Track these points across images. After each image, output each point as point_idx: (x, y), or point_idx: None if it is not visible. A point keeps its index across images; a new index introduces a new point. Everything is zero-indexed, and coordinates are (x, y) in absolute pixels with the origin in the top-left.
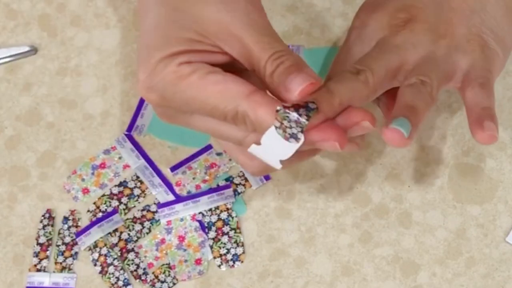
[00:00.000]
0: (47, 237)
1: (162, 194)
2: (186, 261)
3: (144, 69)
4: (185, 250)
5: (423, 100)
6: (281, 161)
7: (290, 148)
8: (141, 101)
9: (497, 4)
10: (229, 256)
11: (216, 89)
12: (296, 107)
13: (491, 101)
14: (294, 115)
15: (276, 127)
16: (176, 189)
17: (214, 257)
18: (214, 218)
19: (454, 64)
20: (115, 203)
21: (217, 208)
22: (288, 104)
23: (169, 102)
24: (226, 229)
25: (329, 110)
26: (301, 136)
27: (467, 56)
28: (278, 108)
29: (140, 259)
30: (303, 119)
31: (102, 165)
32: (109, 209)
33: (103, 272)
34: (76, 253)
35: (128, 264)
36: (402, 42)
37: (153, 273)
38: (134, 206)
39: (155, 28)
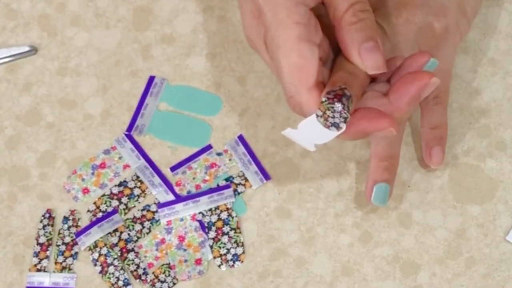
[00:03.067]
0: (47, 237)
1: (162, 194)
2: (186, 261)
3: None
4: (185, 250)
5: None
6: (317, 145)
7: (329, 135)
8: (141, 101)
9: None
10: (229, 256)
11: (295, 62)
12: (338, 97)
13: (445, 116)
14: (338, 106)
15: (317, 116)
16: (176, 189)
17: (214, 257)
18: (214, 218)
19: (417, 48)
20: (115, 203)
21: (217, 208)
22: (331, 95)
23: (266, 28)
24: (226, 229)
25: (358, 92)
26: (343, 126)
27: (428, 42)
28: (323, 99)
29: (140, 259)
30: (345, 110)
31: (102, 165)
32: (109, 209)
33: (103, 272)
34: (76, 253)
35: (128, 264)
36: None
37: (153, 273)
38: (134, 206)
39: None
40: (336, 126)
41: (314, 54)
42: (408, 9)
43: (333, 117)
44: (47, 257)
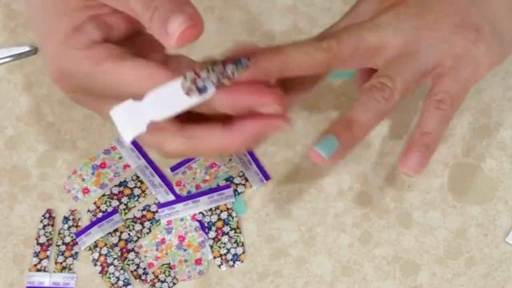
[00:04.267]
0: (47, 237)
1: (162, 194)
2: (186, 261)
3: (51, 56)
4: (185, 250)
5: (373, 109)
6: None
7: (185, 103)
8: None
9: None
10: (229, 256)
11: (133, 74)
12: (227, 62)
13: (442, 125)
14: (230, 67)
15: (185, 78)
16: (176, 189)
17: (214, 257)
18: (214, 218)
19: (436, 57)
20: (115, 203)
21: (217, 208)
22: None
23: (83, 89)
24: (226, 229)
25: (267, 68)
26: (212, 89)
27: (452, 50)
28: (212, 62)
29: (140, 259)
30: (230, 72)
31: (102, 165)
32: (109, 209)
33: (103, 272)
34: (76, 253)
35: (128, 264)
36: (383, 24)
37: (153, 273)
38: (134, 206)
39: (44, 9)
40: (204, 89)
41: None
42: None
43: (207, 78)
44: (47, 257)
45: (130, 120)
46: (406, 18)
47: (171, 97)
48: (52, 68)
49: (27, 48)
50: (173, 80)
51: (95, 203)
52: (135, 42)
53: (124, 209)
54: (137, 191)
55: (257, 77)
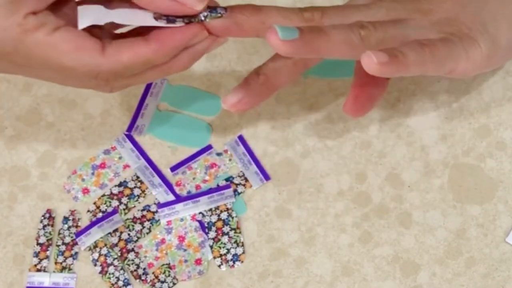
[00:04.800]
0: (47, 237)
1: (162, 194)
2: (186, 261)
3: None
4: (185, 250)
5: (345, 35)
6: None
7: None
8: (141, 101)
9: (500, 3)
10: (229, 256)
11: (68, 47)
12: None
13: (414, 55)
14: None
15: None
16: (176, 189)
17: (214, 257)
18: (214, 218)
19: (422, 35)
20: (115, 203)
21: (217, 208)
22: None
23: (10, 57)
24: (226, 229)
25: (243, 22)
26: (179, 23)
27: (441, 35)
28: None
29: (140, 259)
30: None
31: (102, 165)
32: (109, 209)
33: (103, 272)
34: (76, 253)
35: (128, 264)
36: (376, 6)
37: (153, 273)
38: (134, 206)
39: None
40: (172, 21)
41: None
42: None
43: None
44: (47, 257)
45: (93, 14)
46: (402, 1)
47: (139, 15)
48: None
49: None
50: None
51: (95, 203)
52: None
53: (124, 209)
54: (137, 191)
55: (231, 30)
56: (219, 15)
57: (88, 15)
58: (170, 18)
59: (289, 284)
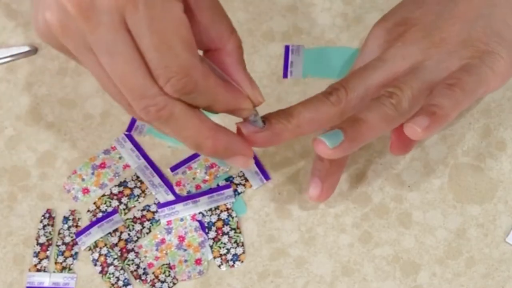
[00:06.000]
0: (47, 237)
1: (162, 194)
2: (186, 261)
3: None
4: (185, 250)
5: (380, 112)
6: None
7: None
8: None
9: (508, 7)
10: (229, 256)
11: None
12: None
13: (448, 102)
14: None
15: None
16: (176, 189)
17: (214, 257)
18: (214, 218)
19: (445, 71)
20: (115, 203)
21: (217, 208)
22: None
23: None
24: (226, 229)
25: (281, 130)
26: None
27: (463, 62)
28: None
29: (140, 259)
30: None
31: (102, 165)
32: (109, 209)
33: (103, 272)
34: (76, 253)
35: (128, 264)
36: (391, 56)
37: (153, 273)
38: (134, 206)
39: None
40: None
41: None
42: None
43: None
44: (47, 257)
45: None
46: (414, 42)
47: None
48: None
49: (27, 48)
50: None
51: (95, 203)
52: None
53: (124, 209)
54: (137, 191)
55: (273, 141)
56: (260, 126)
57: None
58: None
59: (289, 284)
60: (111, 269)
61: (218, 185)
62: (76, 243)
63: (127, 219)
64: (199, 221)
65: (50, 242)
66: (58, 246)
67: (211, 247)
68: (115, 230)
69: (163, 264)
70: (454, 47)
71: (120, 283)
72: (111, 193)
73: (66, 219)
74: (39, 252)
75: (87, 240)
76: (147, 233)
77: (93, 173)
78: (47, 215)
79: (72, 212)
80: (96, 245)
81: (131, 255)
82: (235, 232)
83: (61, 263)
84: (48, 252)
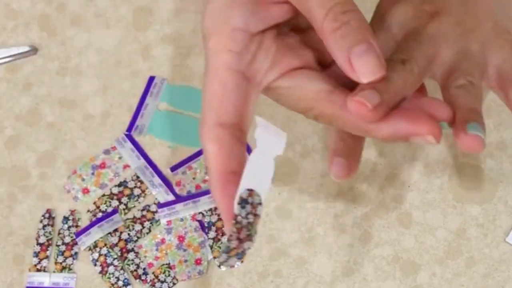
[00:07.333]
0: (47, 237)
1: (162, 194)
2: (186, 261)
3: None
4: (185, 250)
5: (477, 102)
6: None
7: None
8: (141, 101)
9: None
10: None
11: (215, 90)
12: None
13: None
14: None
15: None
16: (176, 189)
17: (214, 257)
18: (214, 218)
19: (486, 60)
20: (115, 203)
21: (217, 208)
22: None
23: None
24: None
25: (389, 100)
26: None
27: (497, 52)
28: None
29: (140, 259)
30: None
31: (102, 165)
32: (109, 209)
33: (103, 272)
34: (76, 253)
35: (128, 264)
36: (434, 34)
37: (153, 273)
38: (134, 206)
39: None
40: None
41: (238, 86)
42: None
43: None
44: (47, 257)
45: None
46: (449, 26)
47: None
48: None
49: (27, 48)
50: None
51: (95, 203)
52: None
53: (124, 209)
54: (137, 191)
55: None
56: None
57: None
58: None
59: (289, 284)
60: (111, 269)
61: None
62: (76, 243)
63: (127, 219)
64: (199, 221)
65: (50, 242)
66: (58, 246)
67: (211, 247)
68: (115, 230)
69: (163, 264)
70: (487, 35)
71: (120, 283)
72: (111, 193)
73: (66, 219)
74: (39, 252)
75: (87, 240)
76: (147, 233)
77: (93, 173)
78: (47, 215)
79: (72, 212)
80: (96, 245)
81: (131, 255)
82: None
83: (61, 263)
84: (48, 252)
